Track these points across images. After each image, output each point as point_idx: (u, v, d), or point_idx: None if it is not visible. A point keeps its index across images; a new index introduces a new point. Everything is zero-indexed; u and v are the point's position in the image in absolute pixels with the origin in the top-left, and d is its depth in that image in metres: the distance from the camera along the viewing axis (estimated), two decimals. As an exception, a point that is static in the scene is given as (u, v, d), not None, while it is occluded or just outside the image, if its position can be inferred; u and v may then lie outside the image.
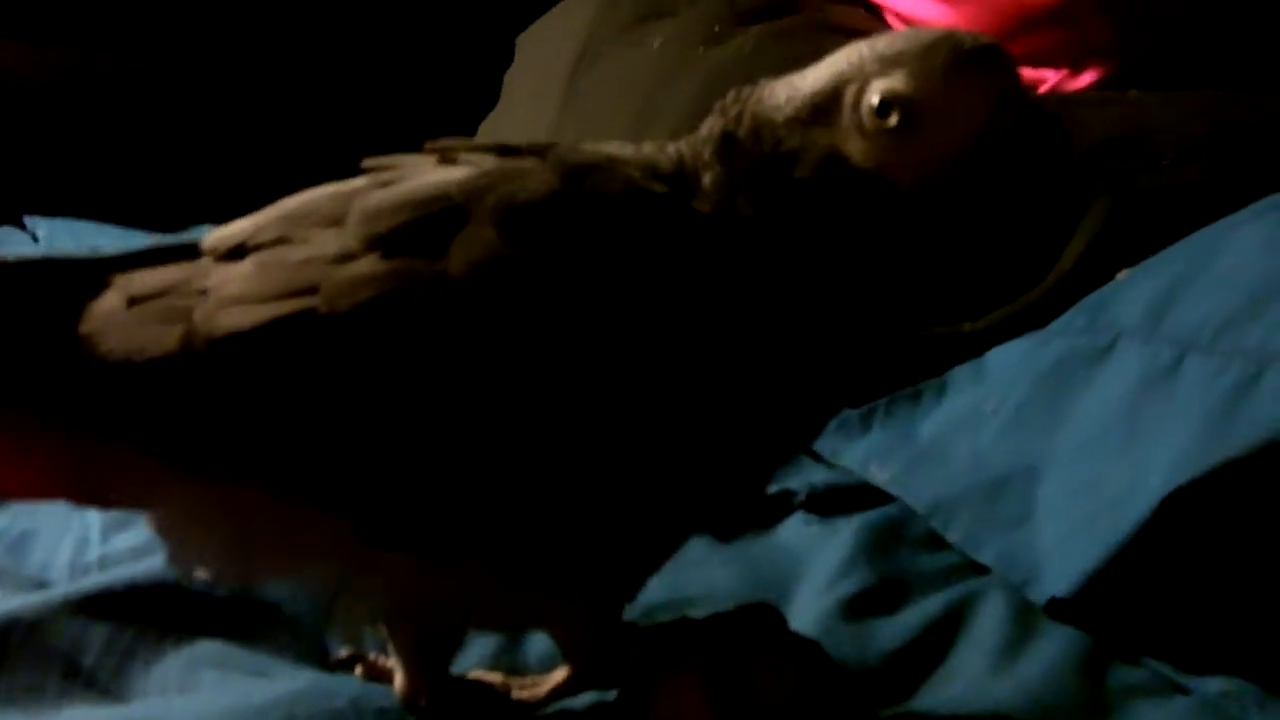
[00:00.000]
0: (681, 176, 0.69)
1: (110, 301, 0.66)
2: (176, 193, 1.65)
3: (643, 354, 0.65)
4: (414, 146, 0.73)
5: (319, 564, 0.69)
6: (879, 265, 0.68)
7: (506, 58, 1.64)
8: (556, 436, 0.65)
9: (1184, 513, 0.82)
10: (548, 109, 1.49)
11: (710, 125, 0.70)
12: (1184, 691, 0.80)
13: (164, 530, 0.70)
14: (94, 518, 0.95)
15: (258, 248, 0.67)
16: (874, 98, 0.66)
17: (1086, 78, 1.32)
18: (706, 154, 0.69)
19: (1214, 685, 0.80)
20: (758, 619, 0.75)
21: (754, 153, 0.68)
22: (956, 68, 0.66)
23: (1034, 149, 0.67)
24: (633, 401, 0.65)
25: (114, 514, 0.94)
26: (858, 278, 0.68)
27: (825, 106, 0.67)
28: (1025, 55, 1.34)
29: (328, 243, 0.66)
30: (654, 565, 0.72)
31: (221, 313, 0.65)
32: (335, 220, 0.67)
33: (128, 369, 0.64)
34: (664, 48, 1.43)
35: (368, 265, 0.65)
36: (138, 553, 0.90)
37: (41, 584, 0.88)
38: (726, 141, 0.69)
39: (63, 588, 0.85)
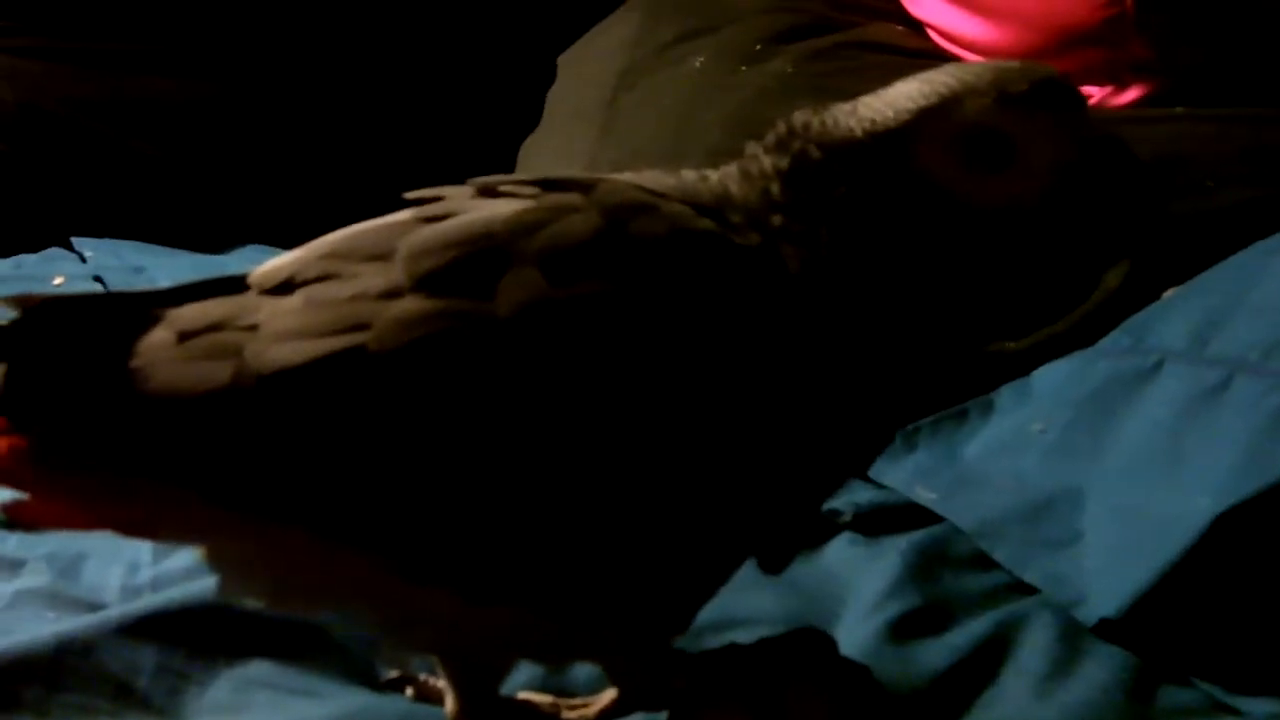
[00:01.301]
0: (724, 210, 0.69)
1: (160, 336, 0.66)
2: (221, 213, 1.67)
3: (693, 399, 0.65)
4: (457, 167, 0.73)
5: (363, 602, 0.69)
6: (957, 294, 0.68)
7: (549, 78, 1.65)
8: (601, 481, 0.65)
9: (1233, 533, 0.82)
10: (589, 128, 1.49)
11: (764, 162, 0.69)
12: (1234, 712, 0.80)
13: (212, 563, 0.71)
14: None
15: (305, 283, 0.67)
16: (964, 131, 0.66)
17: (1131, 94, 1.32)
18: (775, 190, 0.68)
19: (1263, 706, 0.79)
20: (804, 646, 0.75)
21: (831, 185, 0.67)
22: (1044, 100, 0.67)
23: (1114, 182, 0.67)
24: (681, 445, 0.65)
25: (164, 538, 0.96)
26: (935, 308, 0.68)
27: (908, 137, 0.67)
28: (1069, 73, 1.33)
29: (375, 279, 0.66)
30: (703, 599, 0.72)
31: (272, 348, 0.64)
32: (382, 256, 0.67)
33: (177, 404, 0.64)
34: (705, 67, 1.43)
35: (416, 304, 0.65)
36: (190, 574, 0.90)
37: (94, 606, 0.88)
38: (798, 175, 0.68)
39: (115, 609, 0.85)
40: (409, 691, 0.80)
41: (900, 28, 1.48)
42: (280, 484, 0.65)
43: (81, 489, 0.67)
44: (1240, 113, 1.25)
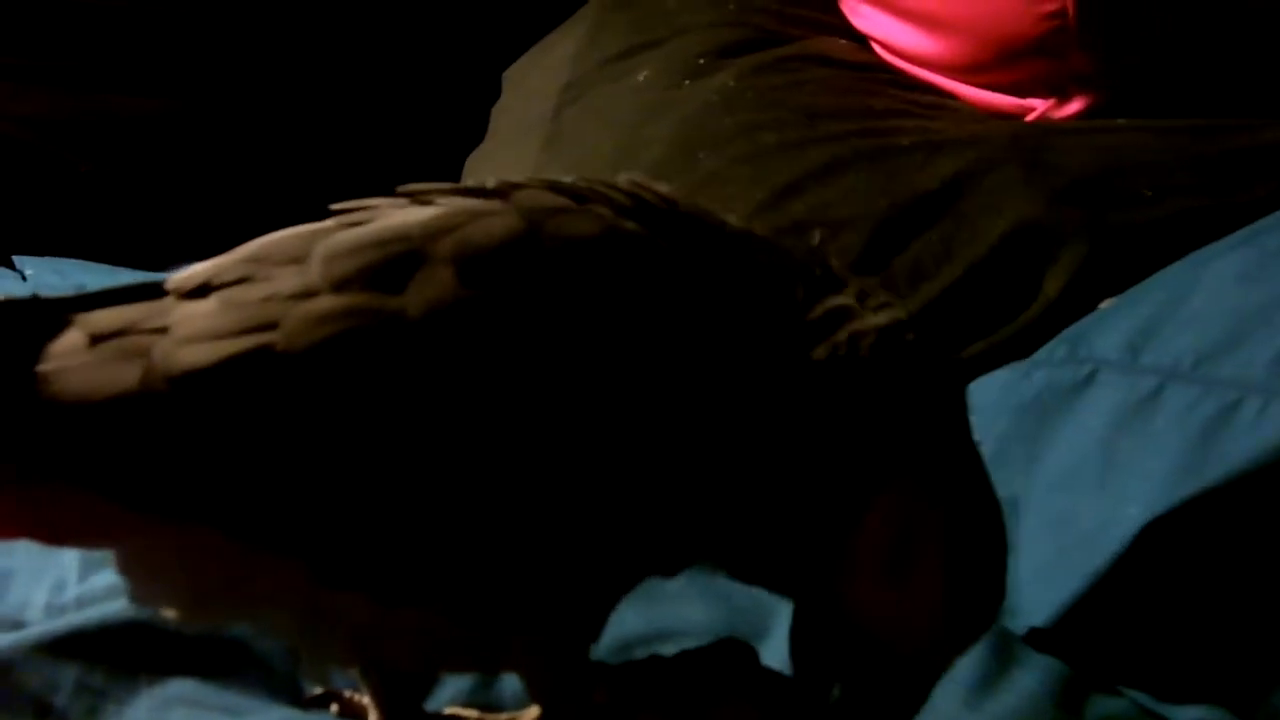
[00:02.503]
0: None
1: (71, 340, 0.65)
2: (163, 231, 1.65)
3: (602, 399, 0.65)
4: (403, 181, 0.73)
5: (277, 608, 0.68)
6: None
7: (494, 92, 1.64)
8: (509, 482, 0.64)
9: (1162, 542, 0.82)
10: (534, 142, 1.49)
11: None
12: (1161, 720, 0.80)
13: (124, 569, 0.70)
14: (71, 558, 0.94)
15: (221, 286, 0.67)
16: None
17: (1073, 106, 1.32)
18: None
19: (1191, 714, 0.80)
20: (728, 657, 0.75)
21: None
22: None
23: None
24: (588, 447, 0.65)
25: (93, 553, 0.95)
26: None
27: None
28: (1012, 84, 1.35)
29: (290, 280, 0.65)
30: (610, 604, 0.71)
31: (181, 350, 0.64)
32: (299, 259, 0.66)
33: (84, 409, 0.63)
34: (648, 81, 1.43)
35: (327, 303, 0.64)
36: (116, 591, 0.89)
37: (18, 624, 0.87)
38: None
39: (35, 628, 0.84)
40: (334, 708, 0.79)
41: (844, 41, 1.48)
42: (191, 486, 0.64)
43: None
44: (1181, 124, 1.26)
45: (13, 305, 0.68)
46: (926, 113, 1.35)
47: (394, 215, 0.69)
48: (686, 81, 1.41)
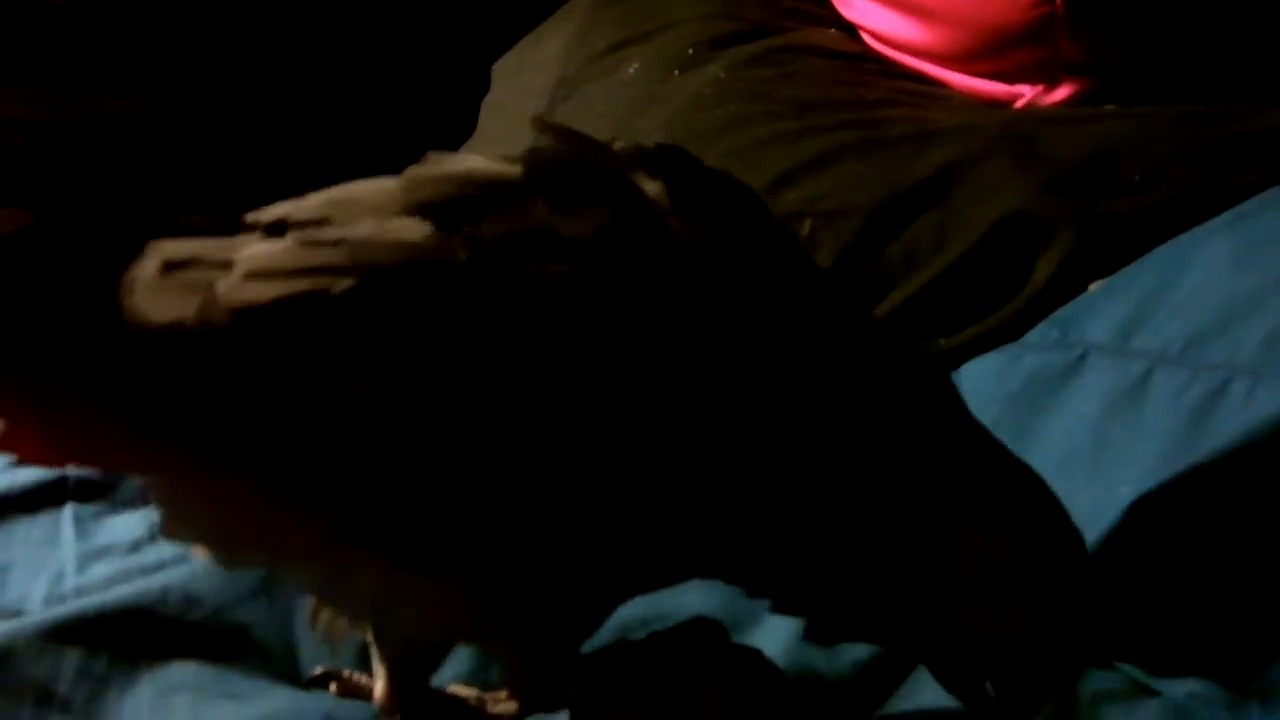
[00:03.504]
0: None
1: (144, 266, 0.65)
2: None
3: (674, 365, 0.65)
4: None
5: (299, 558, 0.69)
6: None
7: (483, 86, 1.65)
8: (541, 454, 0.65)
9: (1154, 519, 0.83)
10: (525, 138, 1.49)
11: None
12: (1154, 694, 0.81)
13: (159, 503, 0.70)
14: (69, 550, 0.95)
15: (297, 225, 0.67)
16: None
17: (1062, 92, 1.33)
18: None
19: (1183, 688, 0.80)
20: (697, 638, 0.75)
21: None
22: None
23: None
24: (649, 415, 0.65)
25: (90, 544, 0.96)
26: None
27: None
28: (1001, 72, 1.36)
29: (365, 226, 0.65)
30: (616, 602, 0.72)
31: (244, 285, 0.64)
32: (378, 209, 0.66)
33: (142, 336, 0.63)
34: (638, 74, 1.43)
35: (404, 229, 0.65)
36: (113, 581, 0.90)
37: (18, 615, 0.88)
38: None
39: (36, 616, 0.85)
40: (333, 688, 0.80)
41: (834, 32, 1.49)
42: (230, 426, 0.64)
43: (50, 415, 0.66)
44: (1169, 111, 1.26)
45: (94, 227, 0.68)
46: (917, 102, 1.36)
47: (479, 161, 0.69)
48: (677, 73, 1.41)
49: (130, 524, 0.98)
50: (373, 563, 0.67)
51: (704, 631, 0.76)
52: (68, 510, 1.00)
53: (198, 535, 0.71)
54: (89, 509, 1.00)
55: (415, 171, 0.68)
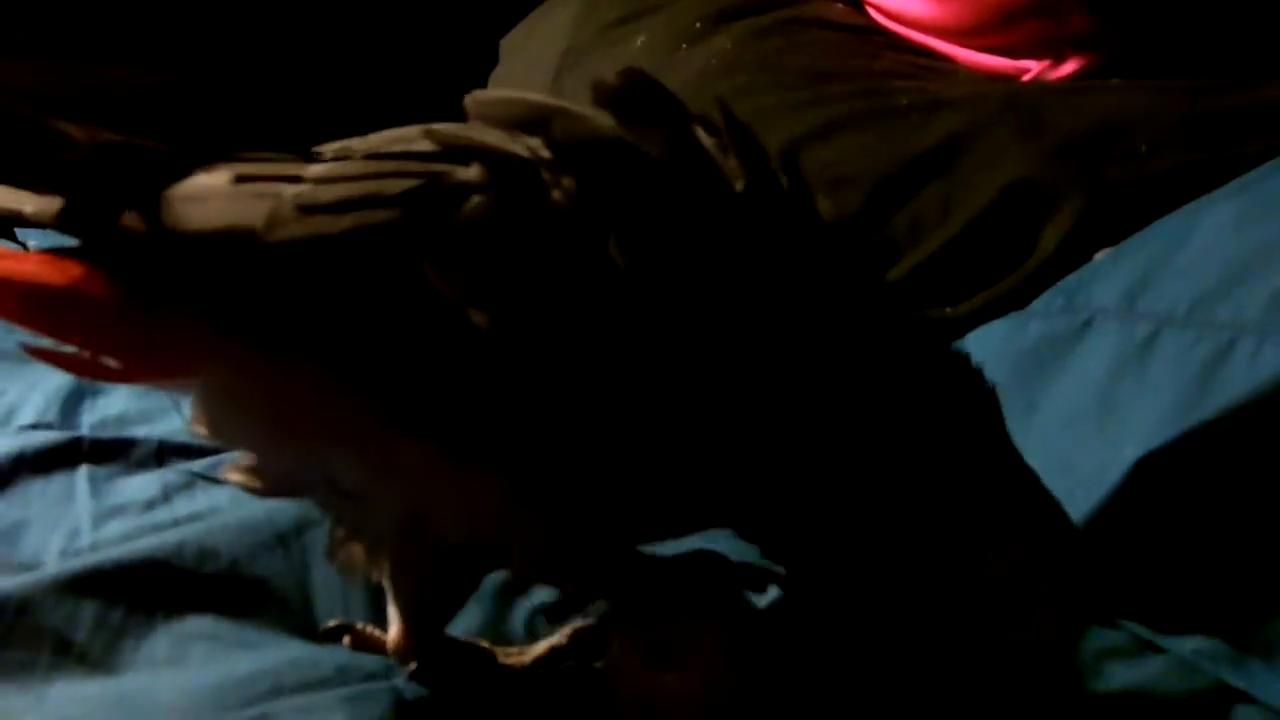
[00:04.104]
0: None
1: (217, 177, 0.69)
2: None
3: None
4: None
5: (350, 448, 0.70)
6: None
7: (491, 60, 1.65)
8: (608, 356, 0.66)
9: (1158, 478, 0.84)
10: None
11: None
12: (1159, 650, 0.82)
13: (210, 403, 0.72)
14: (86, 508, 0.96)
15: (361, 151, 0.70)
16: None
17: (1068, 67, 1.33)
18: None
19: (1188, 644, 0.81)
20: (700, 568, 0.76)
21: None
22: None
23: None
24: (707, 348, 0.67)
25: (106, 504, 0.97)
26: None
27: None
28: (1007, 47, 1.36)
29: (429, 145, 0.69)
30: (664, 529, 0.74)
31: (314, 189, 0.67)
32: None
33: (213, 237, 0.67)
34: (646, 46, 1.44)
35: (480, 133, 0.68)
36: (128, 538, 0.91)
37: (34, 568, 0.89)
38: None
39: (52, 568, 0.86)
40: (346, 640, 0.81)
41: (840, 4, 1.50)
42: (294, 313, 0.67)
43: (121, 325, 0.69)
44: (1175, 84, 1.27)
45: (164, 149, 0.71)
46: (923, 74, 1.36)
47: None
48: (684, 46, 1.42)
49: (145, 484, 0.99)
50: (422, 453, 0.68)
51: (706, 562, 0.77)
52: (82, 470, 1.01)
53: (250, 429, 0.72)
54: (103, 470, 1.01)
55: (481, 94, 0.71)
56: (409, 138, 0.70)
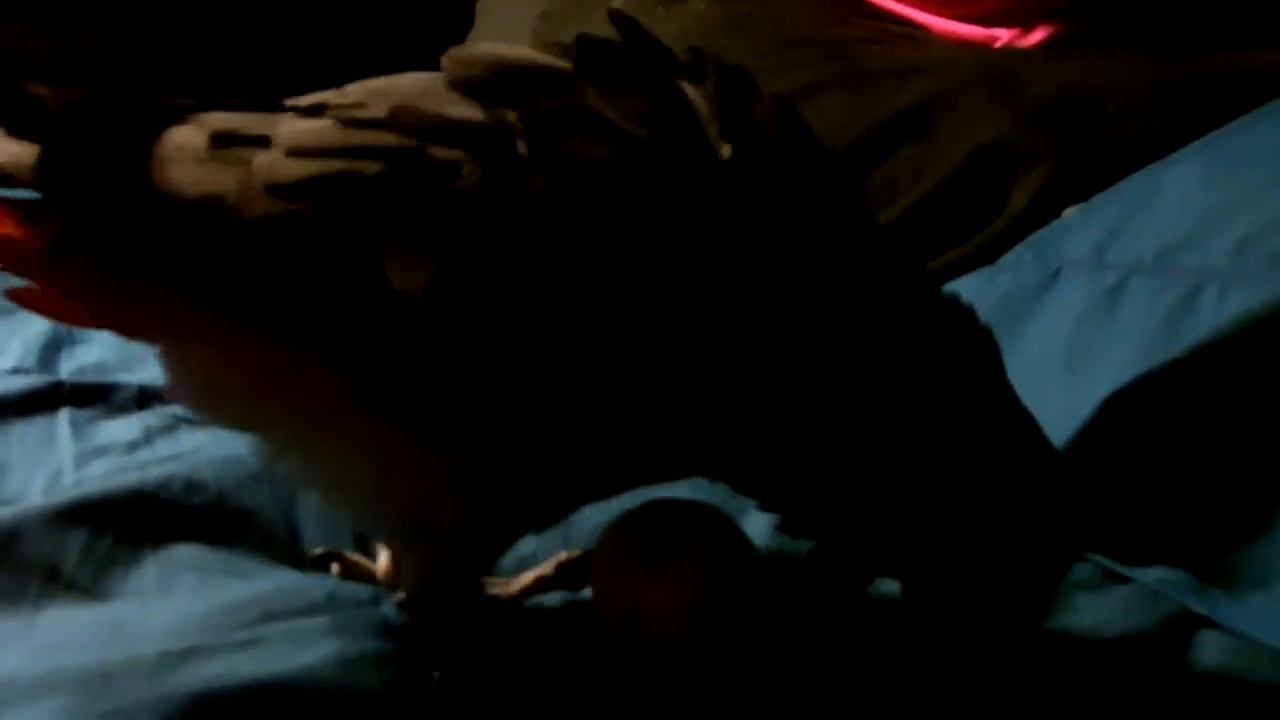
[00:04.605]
0: None
1: (188, 135, 0.68)
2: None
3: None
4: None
5: (319, 425, 0.70)
6: None
7: (468, 22, 1.66)
8: (571, 329, 0.65)
9: (1126, 416, 0.86)
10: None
11: None
12: (1126, 581, 0.84)
13: (184, 375, 0.72)
14: (68, 449, 0.97)
15: (336, 108, 0.68)
16: None
17: (1037, 35, 1.35)
18: None
19: (1152, 575, 0.83)
20: (696, 514, 0.78)
21: None
22: None
23: None
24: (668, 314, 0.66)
25: (88, 445, 0.97)
26: None
27: None
28: (977, 15, 1.38)
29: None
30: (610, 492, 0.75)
31: (282, 162, 0.66)
32: (421, 95, 0.68)
33: (182, 205, 0.66)
34: (623, 6, 1.44)
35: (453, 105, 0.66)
36: (109, 477, 0.92)
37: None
38: None
39: (40, 500, 0.87)
40: (335, 569, 0.82)
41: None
42: (262, 289, 0.66)
43: (86, 279, 0.69)
44: (1145, 52, 1.29)
45: (140, 104, 0.70)
46: (895, 41, 1.37)
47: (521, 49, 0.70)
48: (660, 8, 1.43)
49: (126, 427, 1.00)
50: (390, 436, 0.68)
51: (703, 511, 0.78)
52: (63, 414, 1.02)
53: (223, 404, 0.72)
54: (84, 414, 1.02)
55: (458, 52, 0.69)
56: (383, 91, 0.68)
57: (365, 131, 0.66)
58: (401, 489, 0.71)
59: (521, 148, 0.65)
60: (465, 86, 0.67)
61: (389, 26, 1.76)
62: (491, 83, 0.67)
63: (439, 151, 0.65)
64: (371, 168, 0.65)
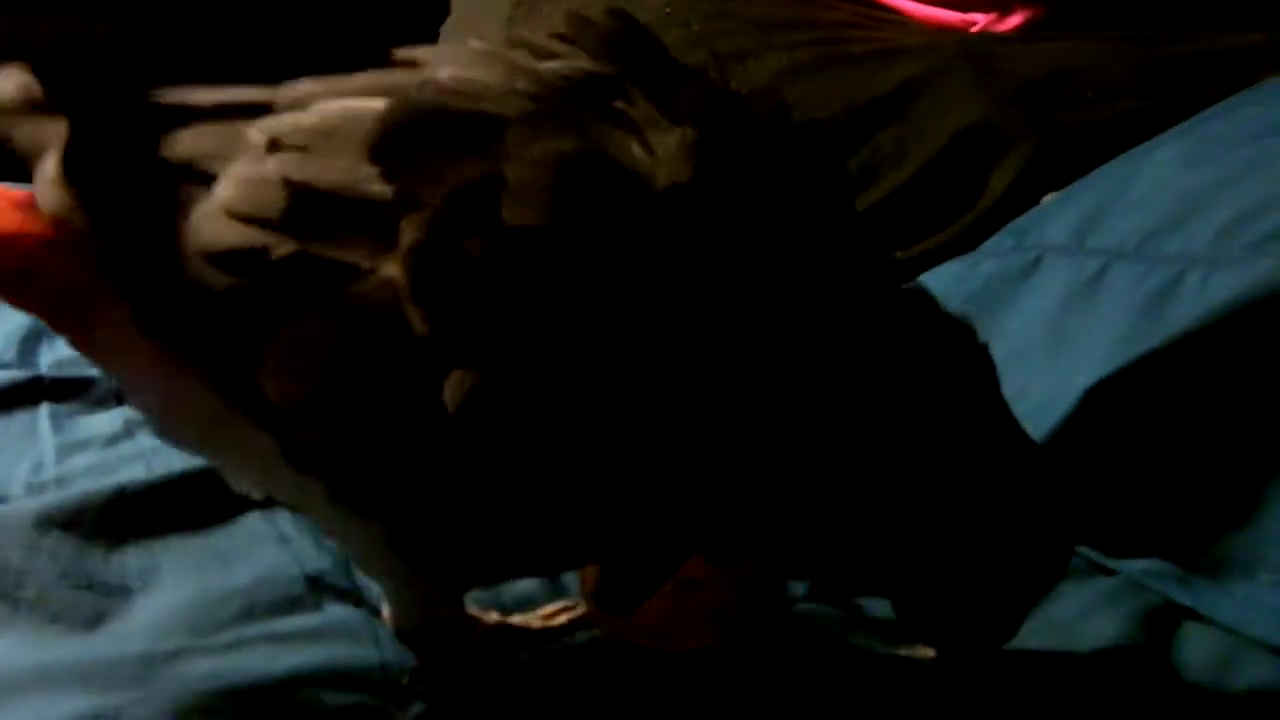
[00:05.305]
0: None
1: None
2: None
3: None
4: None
5: (251, 468, 0.69)
6: None
7: (443, 11, 1.65)
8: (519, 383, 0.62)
9: (1108, 404, 0.86)
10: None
11: None
12: (1110, 573, 0.84)
13: (127, 384, 0.72)
14: (49, 442, 0.97)
15: (288, 149, 0.64)
16: None
17: (1014, 20, 1.35)
18: None
19: (1136, 565, 0.83)
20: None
21: None
22: None
23: None
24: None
25: (69, 439, 0.97)
26: None
27: None
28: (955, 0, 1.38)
29: (338, 169, 0.63)
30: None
31: (209, 224, 0.63)
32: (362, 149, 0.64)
33: (134, 237, 0.64)
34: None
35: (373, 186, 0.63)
36: (91, 471, 0.91)
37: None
38: None
39: (19, 498, 0.87)
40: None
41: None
42: (192, 334, 0.64)
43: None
44: (1118, 37, 1.29)
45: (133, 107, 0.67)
46: (875, 25, 1.37)
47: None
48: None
49: (106, 420, 1.00)
50: (313, 488, 0.66)
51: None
52: (43, 408, 1.01)
53: (180, 433, 0.71)
54: (64, 408, 1.02)
55: (402, 101, 0.64)
56: (334, 146, 0.64)
57: (278, 204, 0.63)
58: (350, 536, 0.70)
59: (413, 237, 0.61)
60: (383, 155, 0.63)
61: (365, 13, 1.75)
62: (411, 149, 0.63)
63: (333, 252, 0.62)
64: (278, 250, 0.62)
